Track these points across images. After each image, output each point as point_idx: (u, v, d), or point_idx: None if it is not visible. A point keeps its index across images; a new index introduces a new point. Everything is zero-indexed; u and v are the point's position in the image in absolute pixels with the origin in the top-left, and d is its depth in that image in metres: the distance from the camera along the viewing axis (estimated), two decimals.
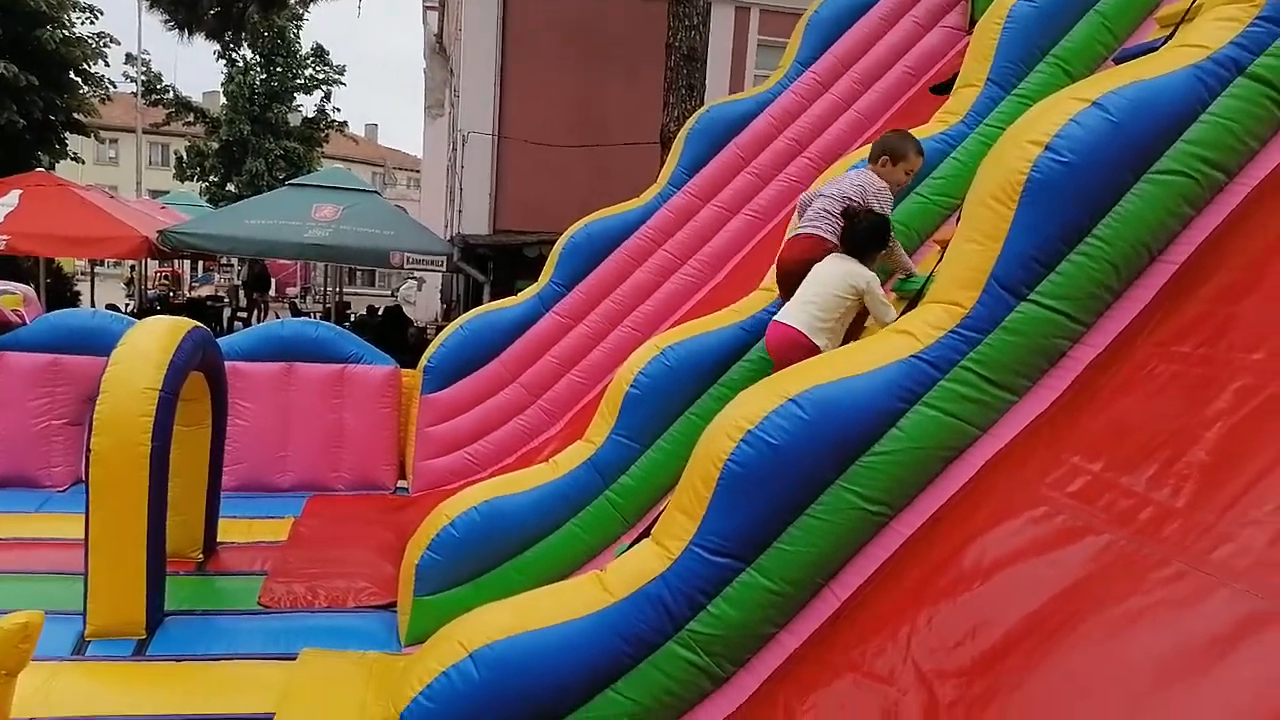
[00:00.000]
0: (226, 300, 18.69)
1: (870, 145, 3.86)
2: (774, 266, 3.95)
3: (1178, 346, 2.45)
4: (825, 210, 3.58)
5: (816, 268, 3.42)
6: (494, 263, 11.31)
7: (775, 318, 3.48)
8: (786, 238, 3.84)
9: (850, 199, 3.53)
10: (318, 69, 28.77)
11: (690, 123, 6.07)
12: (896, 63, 5.92)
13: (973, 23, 5.83)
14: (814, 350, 3.24)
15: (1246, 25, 2.75)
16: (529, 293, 5.87)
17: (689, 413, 3.94)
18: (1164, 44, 3.10)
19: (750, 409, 2.67)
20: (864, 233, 3.40)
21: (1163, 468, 2.13)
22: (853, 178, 3.63)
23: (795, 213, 3.96)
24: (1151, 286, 2.71)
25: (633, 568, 2.64)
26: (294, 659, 3.19)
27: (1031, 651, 1.92)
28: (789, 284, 3.58)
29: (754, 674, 2.57)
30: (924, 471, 2.68)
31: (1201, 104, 2.71)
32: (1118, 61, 3.96)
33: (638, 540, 3.06)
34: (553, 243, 6.15)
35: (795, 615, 2.59)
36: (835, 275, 3.35)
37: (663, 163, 6.56)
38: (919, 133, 4.25)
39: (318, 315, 16.21)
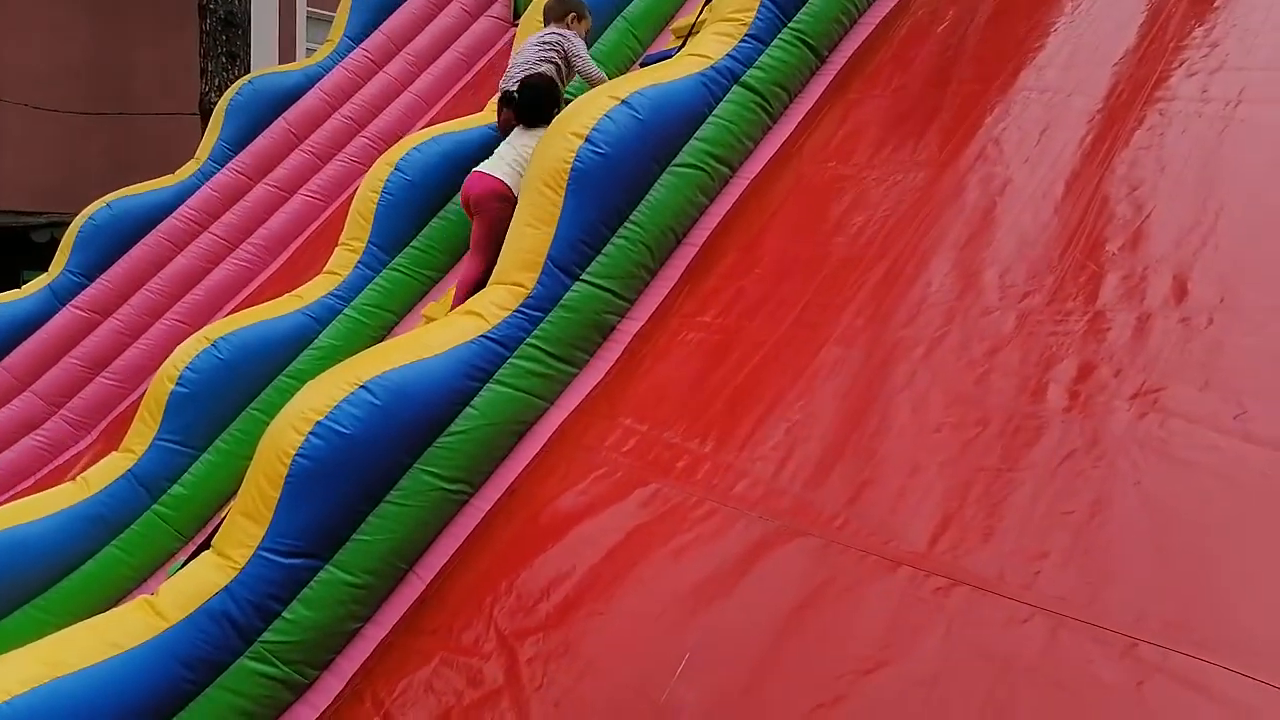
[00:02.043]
0: None
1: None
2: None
3: (700, 317, 2.83)
4: (532, 60, 3.88)
5: (508, 141, 3.65)
6: None
7: (477, 169, 3.62)
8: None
9: (547, 46, 3.89)
10: None
11: (230, 93, 5.55)
12: (449, 47, 5.98)
13: (516, 14, 6.11)
14: (513, 201, 3.30)
15: (738, 41, 3.25)
16: (37, 284, 4.93)
17: (250, 409, 3.63)
18: (677, 53, 3.54)
19: (319, 399, 2.54)
20: (534, 101, 3.66)
21: (693, 420, 2.46)
22: (545, 33, 3.97)
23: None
24: (679, 266, 3.10)
25: (190, 585, 2.38)
26: None
27: (597, 598, 2.11)
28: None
29: (339, 674, 2.47)
30: (499, 446, 2.79)
31: (708, 106, 3.16)
32: (643, 65, 4.43)
33: (195, 555, 2.77)
34: (68, 226, 5.24)
35: (380, 606, 2.54)
36: (528, 138, 3.56)
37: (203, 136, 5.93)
38: (477, 120, 4.38)
39: None
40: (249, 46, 8.22)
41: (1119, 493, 1.58)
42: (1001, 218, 2.25)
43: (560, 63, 3.94)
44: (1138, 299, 1.83)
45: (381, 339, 3.99)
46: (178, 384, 3.48)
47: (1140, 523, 1.54)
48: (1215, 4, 2.30)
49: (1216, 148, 1.98)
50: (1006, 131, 2.44)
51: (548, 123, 3.40)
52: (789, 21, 3.27)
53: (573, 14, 4.07)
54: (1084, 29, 2.55)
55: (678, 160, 3.10)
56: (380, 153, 5.46)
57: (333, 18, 6.34)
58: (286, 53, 11.68)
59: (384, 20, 5.91)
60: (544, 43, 3.94)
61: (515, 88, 3.74)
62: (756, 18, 3.23)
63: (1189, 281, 1.79)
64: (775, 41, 3.26)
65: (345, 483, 2.47)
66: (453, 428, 2.70)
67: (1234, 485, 1.46)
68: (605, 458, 2.56)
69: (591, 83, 3.99)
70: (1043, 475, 1.72)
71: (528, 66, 3.88)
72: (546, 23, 4.09)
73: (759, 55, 3.24)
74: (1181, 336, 1.71)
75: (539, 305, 2.91)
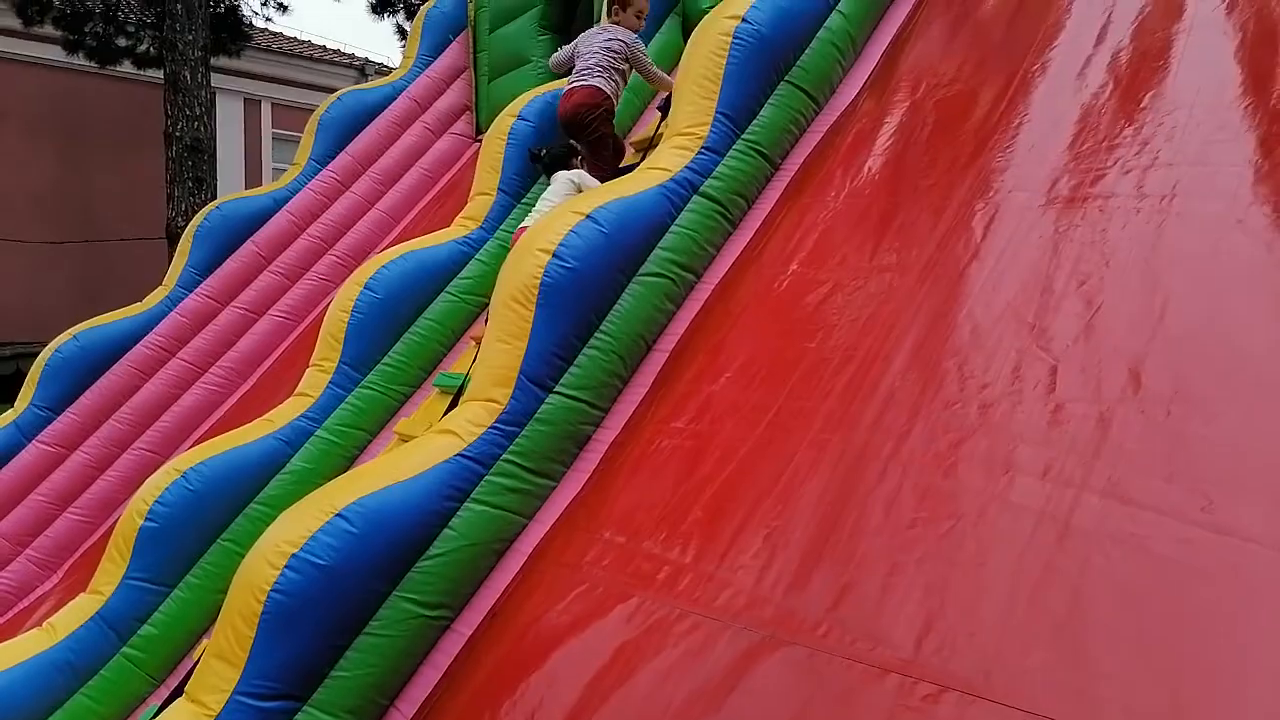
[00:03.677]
0: None
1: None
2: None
3: (674, 423, 2.86)
4: (598, 65, 4.20)
5: (544, 197, 3.92)
6: None
7: (523, 227, 3.86)
8: (574, 87, 4.27)
9: (613, 50, 4.22)
10: None
11: (198, 220, 5.61)
12: (413, 165, 6.13)
13: (479, 131, 6.31)
14: None
15: (695, 153, 3.37)
16: (2, 421, 4.87)
17: (222, 540, 3.56)
18: (637, 166, 3.66)
19: (294, 530, 2.51)
20: (555, 159, 4.10)
21: (672, 529, 2.45)
22: (605, 32, 4.28)
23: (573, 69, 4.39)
24: (650, 372, 3.13)
25: None
26: None
27: None
28: (572, 132, 4.20)
29: None
30: (479, 567, 2.75)
31: (670, 217, 3.25)
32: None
33: (169, 701, 2.67)
34: (34, 356, 5.21)
35: None
36: (559, 185, 3.93)
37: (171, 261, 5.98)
38: (445, 236, 4.47)
39: None
40: (215, 171, 8.36)
41: (1096, 588, 1.60)
42: (956, 312, 2.32)
43: (624, 67, 4.26)
44: (1095, 390, 1.88)
45: (355, 458, 3.98)
46: (147, 519, 3.41)
47: (1119, 620, 1.55)
48: (1142, 104, 2.44)
49: (1156, 241, 2.07)
50: (955, 229, 2.53)
51: (570, 166, 4.02)
52: (742, 133, 3.40)
53: (615, 5, 4.40)
54: (1020, 130, 2.68)
55: (644, 269, 3.17)
56: (349, 270, 5.54)
57: (298, 138, 6.50)
58: (253, 173, 11.91)
59: (349, 142, 6.06)
60: (609, 49, 4.24)
61: (542, 150, 4.21)
62: (711, 131, 3.36)
63: (1143, 373, 1.85)
64: (730, 152, 3.38)
65: (323, 617, 2.42)
66: (432, 551, 2.67)
67: (1207, 579, 1.48)
68: (586, 573, 2.53)
69: (653, 84, 4.40)
70: (1018, 570, 1.73)
71: (586, 74, 4.21)
72: (608, 12, 4.43)
73: (715, 166, 3.35)
74: (1142, 428, 1.75)
75: (514, 420, 2.92)
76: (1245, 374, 1.69)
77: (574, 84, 4.32)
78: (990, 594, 1.76)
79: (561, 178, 3.98)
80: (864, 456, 2.22)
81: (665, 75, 4.48)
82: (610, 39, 4.31)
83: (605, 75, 4.23)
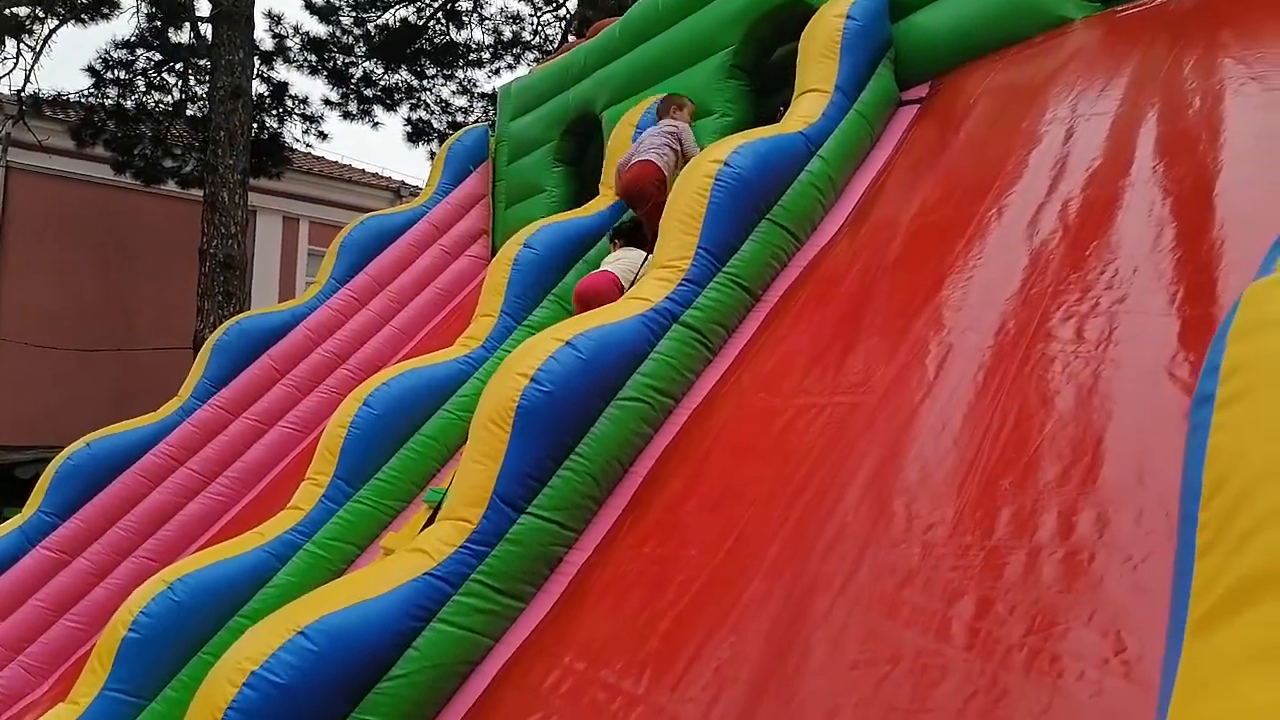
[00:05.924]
0: None
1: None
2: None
3: (642, 548, 2.88)
4: (657, 145, 4.60)
5: (616, 256, 4.45)
6: None
7: (593, 272, 4.40)
8: (631, 163, 4.70)
9: (670, 135, 4.64)
10: None
11: (217, 334, 5.86)
12: (429, 284, 6.39)
13: (494, 253, 6.58)
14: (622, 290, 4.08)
15: (676, 285, 3.51)
16: (9, 526, 4.99)
17: (202, 653, 3.59)
18: None
19: (255, 647, 2.55)
20: (630, 232, 4.63)
21: (630, 657, 2.45)
22: (665, 124, 4.74)
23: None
24: (625, 495, 3.19)
25: None
26: None
27: None
28: (632, 200, 4.64)
29: None
30: (441, 690, 2.75)
31: (649, 344, 3.36)
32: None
33: None
34: None
35: None
36: (633, 258, 4.36)
37: None
38: (446, 354, 4.63)
39: None
40: (246, 285, 8.72)
41: None
42: (907, 449, 2.36)
43: (677, 148, 4.68)
44: (1028, 534, 1.90)
45: (341, 572, 4.01)
46: (130, 629, 3.46)
47: None
48: (1087, 252, 2.54)
49: (1092, 387, 2.13)
50: (910, 365, 2.60)
51: (639, 245, 4.48)
52: (723, 266, 3.55)
53: (673, 107, 4.85)
54: (975, 272, 2.78)
55: (621, 394, 3.26)
56: (359, 383, 5.69)
57: None
58: (287, 287, 12.36)
59: (368, 263, 6.34)
60: (666, 132, 4.70)
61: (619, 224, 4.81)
62: (692, 264, 3.51)
63: (1073, 516, 1.87)
64: (711, 284, 3.52)
65: None
66: (394, 671, 2.68)
67: None
68: (543, 701, 2.53)
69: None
70: (949, 718, 1.72)
71: (640, 154, 4.64)
72: (659, 118, 4.85)
73: (696, 296, 3.49)
74: (1067, 573, 1.77)
75: (484, 540, 2.96)
76: (1165, 522, 1.71)
77: (630, 164, 4.71)
78: None
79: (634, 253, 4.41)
80: (813, 591, 2.23)
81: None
82: (668, 124, 4.74)
83: (657, 152, 4.62)
